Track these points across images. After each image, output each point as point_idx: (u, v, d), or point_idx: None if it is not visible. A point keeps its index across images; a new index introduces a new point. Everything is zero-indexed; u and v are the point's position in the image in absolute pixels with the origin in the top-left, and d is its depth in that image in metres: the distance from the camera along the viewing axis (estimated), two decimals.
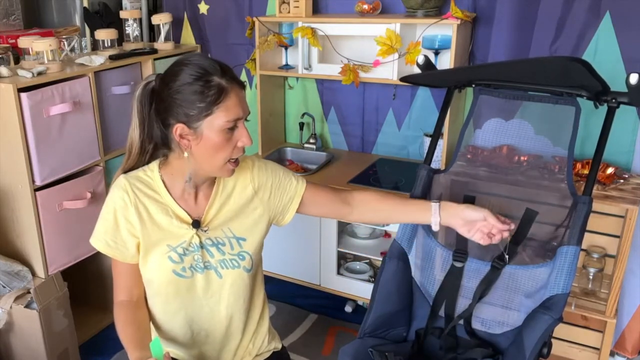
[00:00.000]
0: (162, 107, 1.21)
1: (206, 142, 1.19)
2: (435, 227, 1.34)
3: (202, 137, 1.19)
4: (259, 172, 1.37)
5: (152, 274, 1.31)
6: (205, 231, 1.31)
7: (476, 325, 1.47)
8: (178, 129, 1.19)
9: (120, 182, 1.29)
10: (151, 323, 1.39)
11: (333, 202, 1.43)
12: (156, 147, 1.31)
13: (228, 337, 1.40)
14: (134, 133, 1.29)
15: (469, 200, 1.49)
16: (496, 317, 1.44)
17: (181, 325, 1.36)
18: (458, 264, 1.46)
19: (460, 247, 1.48)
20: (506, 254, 1.39)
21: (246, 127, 1.23)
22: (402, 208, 1.41)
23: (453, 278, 1.47)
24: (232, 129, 1.20)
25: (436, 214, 1.33)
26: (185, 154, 1.23)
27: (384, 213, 1.45)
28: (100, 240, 1.30)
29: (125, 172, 1.33)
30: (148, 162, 1.34)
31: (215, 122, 1.17)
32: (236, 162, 1.26)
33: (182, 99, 1.17)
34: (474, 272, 1.46)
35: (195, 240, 1.30)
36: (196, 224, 1.30)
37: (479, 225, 1.29)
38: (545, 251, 1.41)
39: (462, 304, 1.48)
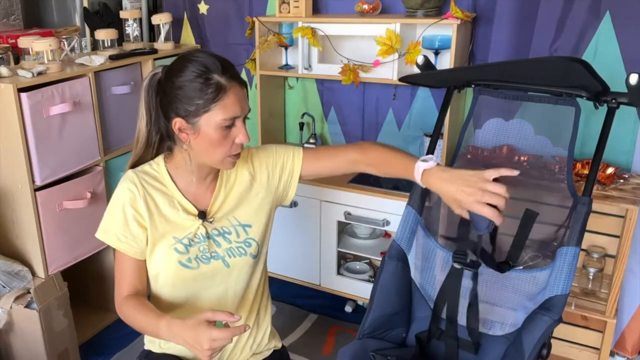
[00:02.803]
0: (164, 100, 1.24)
1: (204, 137, 1.22)
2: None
3: (199, 132, 1.21)
4: (253, 159, 1.41)
5: (158, 267, 1.32)
6: (211, 222, 1.33)
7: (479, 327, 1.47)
8: (177, 122, 1.23)
9: (128, 176, 1.32)
10: None
11: (335, 165, 1.39)
12: (162, 139, 1.33)
13: (233, 327, 1.40)
14: (141, 123, 1.31)
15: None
16: (498, 318, 1.44)
17: (187, 316, 1.36)
18: (457, 266, 1.46)
19: (460, 248, 1.48)
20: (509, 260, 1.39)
21: (245, 125, 1.24)
22: (393, 163, 1.34)
23: (453, 280, 1.47)
24: (229, 126, 1.21)
25: (418, 178, 1.22)
26: (184, 147, 1.27)
27: (385, 166, 1.37)
28: (110, 234, 1.31)
29: (134, 163, 1.36)
30: (155, 156, 1.36)
31: (213, 119, 1.19)
32: (237, 156, 1.28)
33: (183, 95, 1.20)
34: (475, 273, 1.46)
35: (201, 231, 1.32)
36: (202, 215, 1.32)
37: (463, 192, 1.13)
38: (546, 252, 1.41)
39: (464, 305, 1.48)
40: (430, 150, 1.65)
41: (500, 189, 1.09)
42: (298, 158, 1.42)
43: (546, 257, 1.40)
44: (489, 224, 1.14)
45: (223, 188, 1.36)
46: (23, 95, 1.87)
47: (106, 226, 1.32)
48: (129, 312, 1.26)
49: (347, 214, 2.30)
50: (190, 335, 1.11)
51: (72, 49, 2.36)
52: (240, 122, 1.23)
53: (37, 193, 1.99)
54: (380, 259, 1.55)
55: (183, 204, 1.32)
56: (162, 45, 2.59)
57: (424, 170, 1.20)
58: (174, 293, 1.35)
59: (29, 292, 2.00)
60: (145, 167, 1.35)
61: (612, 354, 2.16)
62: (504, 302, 1.43)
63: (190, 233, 1.31)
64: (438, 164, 1.20)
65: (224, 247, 1.34)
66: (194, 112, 1.19)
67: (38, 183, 1.99)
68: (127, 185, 1.30)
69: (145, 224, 1.30)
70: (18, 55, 2.27)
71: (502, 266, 1.41)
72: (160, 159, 1.35)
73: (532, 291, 1.37)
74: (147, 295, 1.37)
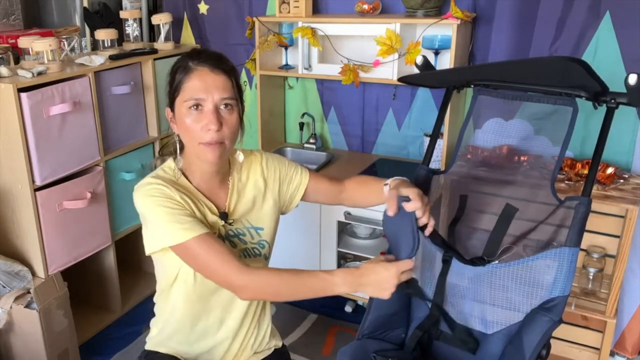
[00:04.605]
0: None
1: (179, 122, 1.26)
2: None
3: (177, 117, 1.27)
4: (267, 164, 1.43)
5: (179, 264, 1.28)
6: (230, 223, 1.34)
7: (473, 324, 1.47)
8: (168, 112, 1.31)
9: (146, 180, 1.28)
10: (164, 314, 1.40)
11: (331, 190, 1.51)
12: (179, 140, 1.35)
13: (240, 327, 1.41)
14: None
15: (463, 199, 1.49)
16: (486, 316, 1.43)
17: (199, 314, 1.37)
18: (445, 264, 1.47)
19: (448, 247, 1.49)
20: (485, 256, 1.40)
21: (216, 112, 1.22)
22: (369, 192, 1.46)
23: (442, 278, 1.48)
24: (197, 109, 1.22)
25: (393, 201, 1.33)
26: (176, 138, 1.31)
27: (363, 199, 1.50)
28: (168, 235, 1.20)
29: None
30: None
31: (181, 101, 1.24)
32: (211, 146, 1.23)
33: (168, 84, 1.29)
34: (457, 271, 1.46)
35: (221, 232, 1.32)
36: (224, 215, 1.33)
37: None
38: (541, 249, 1.40)
39: (464, 305, 1.48)
40: (430, 150, 1.65)
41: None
42: (305, 175, 1.47)
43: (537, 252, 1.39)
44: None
45: (236, 188, 1.37)
46: (23, 95, 1.87)
47: (158, 233, 1.23)
48: (274, 275, 1.19)
49: (347, 214, 2.30)
50: (377, 275, 1.16)
51: (72, 49, 2.37)
52: (208, 107, 1.22)
53: (37, 193, 1.99)
54: None
55: (207, 204, 1.32)
56: (162, 45, 2.59)
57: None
58: (188, 292, 1.33)
59: (29, 292, 2.00)
60: (159, 172, 1.31)
61: (612, 354, 2.16)
62: (492, 300, 1.42)
63: (214, 233, 1.30)
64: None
65: (240, 247, 1.35)
66: (172, 98, 1.27)
67: (38, 183, 1.99)
68: (153, 186, 1.24)
69: (186, 207, 1.25)
70: (18, 55, 2.27)
71: (477, 261, 1.41)
72: (170, 162, 1.33)
73: (521, 287, 1.37)
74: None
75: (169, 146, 1.39)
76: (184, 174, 1.32)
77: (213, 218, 1.31)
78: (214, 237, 1.23)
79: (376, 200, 1.45)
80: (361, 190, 1.49)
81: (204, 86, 1.22)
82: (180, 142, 1.32)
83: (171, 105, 1.28)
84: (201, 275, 1.28)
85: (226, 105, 1.24)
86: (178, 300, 1.35)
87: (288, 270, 1.21)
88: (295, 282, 1.19)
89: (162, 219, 1.21)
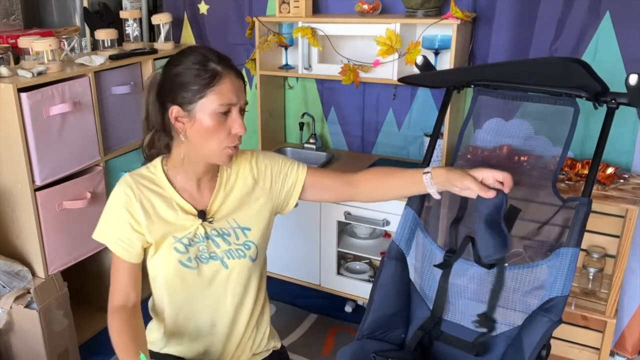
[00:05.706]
0: (163, 90, 1.25)
1: (199, 125, 1.21)
2: (436, 197, 1.28)
3: (195, 120, 1.21)
4: (257, 162, 1.39)
5: (159, 268, 1.33)
6: (210, 222, 1.33)
7: (473, 326, 1.47)
8: (174, 111, 1.22)
9: (125, 179, 1.31)
10: (155, 314, 1.41)
11: (336, 185, 1.41)
12: (160, 137, 1.31)
13: (232, 329, 1.41)
14: (144, 124, 1.33)
15: (464, 199, 1.49)
16: (494, 317, 1.44)
17: (187, 317, 1.38)
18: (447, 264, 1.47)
19: (450, 247, 1.49)
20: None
21: (241, 116, 1.24)
22: (400, 183, 1.34)
23: (444, 279, 1.48)
24: (225, 114, 1.21)
25: (430, 186, 1.26)
26: (182, 138, 1.25)
27: (385, 190, 1.38)
28: (106, 236, 1.31)
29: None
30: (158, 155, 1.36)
31: (208, 105, 1.20)
32: (234, 149, 1.26)
33: (180, 82, 1.20)
34: (461, 272, 1.46)
35: (200, 231, 1.31)
36: (202, 214, 1.32)
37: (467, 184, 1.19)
38: (544, 250, 1.41)
39: (466, 306, 1.48)
40: (430, 150, 1.65)
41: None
42: (302, 171, 1.40)
43: (544, 255, 1.39)
44: (499, 202, 1.17)
45: (222, 188, 1.35)
46: (23, 95, 1.87)
47: (103, 229, 1.33)
48: (112, 327, 1.30)
49: (347, 214, 2.30)
50: None
51: (72, 49, 2.37)
52: (236, 112, 1.23)
53: (37, 193, 1.99)
54: (380, 259, 1.55)
55: (181, 205, 1.31)
56: (162, 45, 2.59)
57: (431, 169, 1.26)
58: (174, 295, 1.35)
59: (29, 292, 2.00)
60: (143, 170, 1.34)
61: (612, 354, 2.16)
62: (499, 301, 1.43)
63: (189, 233, 1.31)
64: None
65: (223, 248, 1.33)
66: (190, 99, 1.20)
67: (38, 183, 1.99)
68: (123, 189, 1.30)
69: (141, 230, 1.29)
70: (18, 55, 2.27)
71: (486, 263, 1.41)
72: (157, 161, 1.34)
73: (527, 288, 1.37)
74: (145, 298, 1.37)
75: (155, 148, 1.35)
76: (166, 174, 1.32)
77: (188, 218, 1.31)
78: (134, 269, 1.32)
79: (410, 191, 1.34)
80: (384, 180, 1.36)
81: (234, 92, 1.22)
82: (168, 142, 1.30)
83: (184, 104, 1.21)
84: (179, 282, 1.33)
85: (244, 110, 1.26)
86: (164, 302, 1.37)
87: (127, 332, 1.29)
88: (115, 344, 1.29)
89: (111, 222, 1.31)
